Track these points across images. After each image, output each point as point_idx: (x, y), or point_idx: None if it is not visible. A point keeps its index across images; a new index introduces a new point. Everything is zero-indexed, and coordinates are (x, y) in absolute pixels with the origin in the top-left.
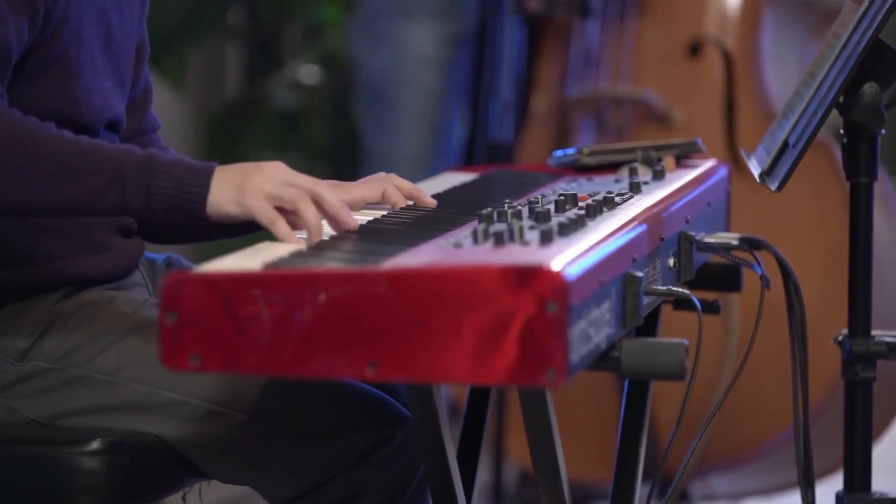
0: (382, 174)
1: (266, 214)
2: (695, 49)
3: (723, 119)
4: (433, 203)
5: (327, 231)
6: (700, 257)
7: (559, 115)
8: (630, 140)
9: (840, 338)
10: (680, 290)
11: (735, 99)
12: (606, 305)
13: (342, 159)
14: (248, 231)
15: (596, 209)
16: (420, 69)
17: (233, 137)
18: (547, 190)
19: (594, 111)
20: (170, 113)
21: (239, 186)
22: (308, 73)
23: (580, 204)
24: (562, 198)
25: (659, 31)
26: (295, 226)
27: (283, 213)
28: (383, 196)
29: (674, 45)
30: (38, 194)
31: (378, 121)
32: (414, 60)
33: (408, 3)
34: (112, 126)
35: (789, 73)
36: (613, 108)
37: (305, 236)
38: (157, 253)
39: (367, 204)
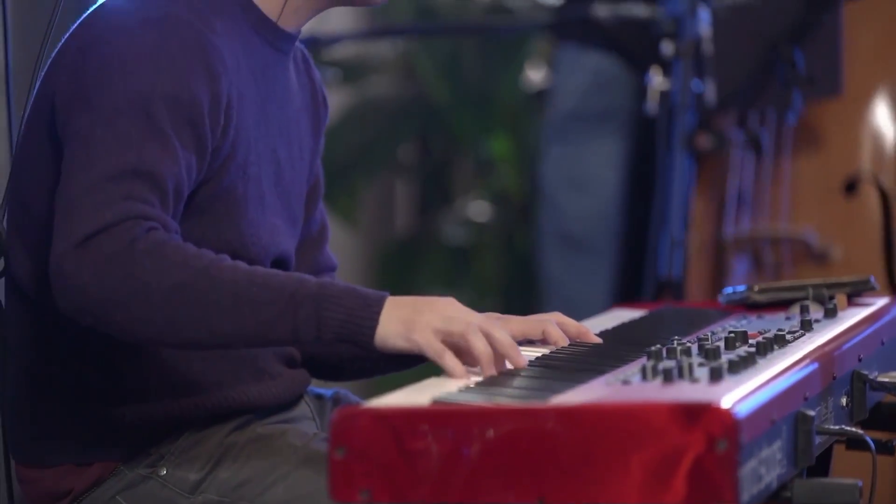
0: (548, 314)
1: (433, 348)
2: (851, 186)
3: (882, 255)
4: (599, 342)
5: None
6: (874, 396)
7: (714, 253)
8: (788, 278)
9: None
10: (853, 429)
11: (893, 235)
12: (777, 444)
13: (512, 296)
14: (417, 363)
15: (766, 347)
16: (619, 214)
17: (403, 273)
18: (717, 327)
19: (752, 249)
20: (340, 248)
21: (408, 321)
22: (478, 209)
23: (750, 341)
24: (732, 335)
25: (815, 169)
26: (467, 365)
27: (456, 354)
28: (543, 334)
29: (830, 182)
30: (214, 327)
31: (573, 266)
32: (616, 206)
33: (606, 147)
34: (279, 263)
35: None
36: (771, 246)
37: (475, 370)
38: (325, 388)
39: (534, 342)
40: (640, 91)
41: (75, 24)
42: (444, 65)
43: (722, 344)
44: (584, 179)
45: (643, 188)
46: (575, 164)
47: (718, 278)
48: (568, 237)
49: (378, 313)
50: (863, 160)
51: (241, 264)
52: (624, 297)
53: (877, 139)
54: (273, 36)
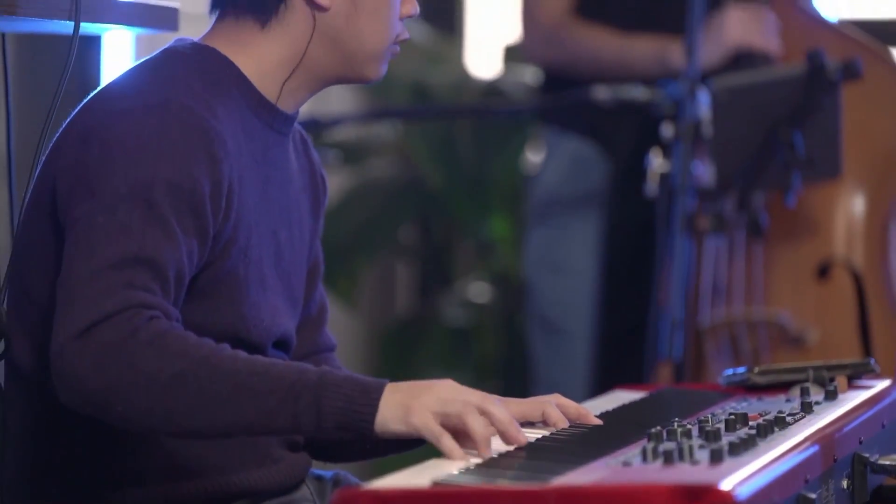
0: (548, 396)
1: (431, 431)
2: (824, 271)
3: (857, 337)
4: (600, 424)
5: (496, 447)
6: (875, 479)
7: (693, 341)
8: (765, 363)
9: None
10: None
11: (868, 316)
12: None
13: (512, 378)
14: (416, 445)
15: (767, 429)
16: (597, 298)
17: (404, 354)
18: (717, 409)
19: (729, 335)
20: (340, 329)
21: (406, 406)
22: (478, 290)
23: (751, 423)
24: (732, 417)
25: (787, 252)
26: (466, 447)
27: (455, 436)
28: (543, 416)
29: (803, 267)
30: (214, 416)
31: (554, 350)
32: (589, 291)
33: (584, 232)
34: (281, 344)
35: None
36: (748, 332)
37: (474, 452)
38: (325, 470)
39: (535, 423)
40: (618, 175)
41: (76, 110)
42: (438, 147)
43: (722, 426)
44: (563, 263)
45: (621, 271)
46: (555, 247)
47: (698, 364)
48: (548, 321)
49: (377, 400)
50: (835, 243)
51: (242, 353)
52: (603, 380)
53: (848, 221)
54: (272, 118)
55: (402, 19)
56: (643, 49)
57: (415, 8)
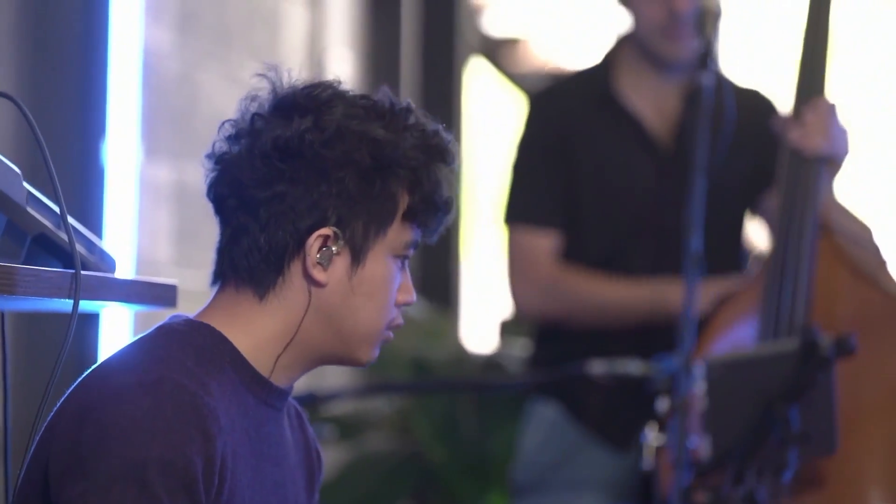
0: None
1: None
2: None
3: None
4: None
5: None
6: None
7: None
8: None
9: None
10: None
11: None
12: None
13: None
14: None
15: None
16: None
17: None
18: None
19: None
20: None
21: None
22: None
23: None
24: None
25: None
26: None
27: None
28: None
29: None
30: None
31: None
32: None
33: (567, 495)
34: None
35: None
36: None
37: None
38: None
39: None
40: (595, 439)
41: (71, 388)
42: (439, 423)
43: None
44: None
45: None
46: None
47: None
48: None
49: None
50: None
51: None
52: None
53: (880, 493)
54: (266, 393)
55: (398, 306)
56: (639, 294)
57: (412, 296)
